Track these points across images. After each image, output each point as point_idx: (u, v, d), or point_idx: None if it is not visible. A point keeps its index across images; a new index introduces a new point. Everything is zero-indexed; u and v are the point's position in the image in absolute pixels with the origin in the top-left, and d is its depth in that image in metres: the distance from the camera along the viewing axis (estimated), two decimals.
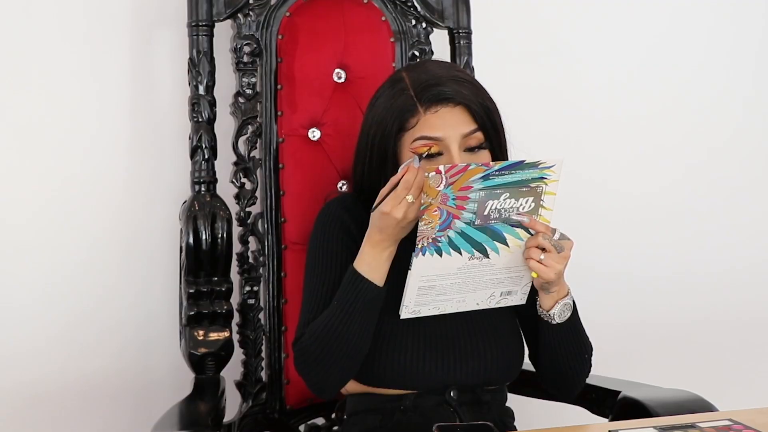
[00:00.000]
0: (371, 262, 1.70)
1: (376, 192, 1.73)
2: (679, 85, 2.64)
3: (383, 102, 1.78)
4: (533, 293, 1.77)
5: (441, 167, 1.58)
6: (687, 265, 2.65)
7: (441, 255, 1.65)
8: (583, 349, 1.82)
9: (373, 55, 2.14)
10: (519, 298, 1.77)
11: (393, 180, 1.66)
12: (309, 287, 1.80)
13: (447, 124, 1.72)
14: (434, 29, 2.24)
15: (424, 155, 1.70)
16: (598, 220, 2.56)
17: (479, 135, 1.74)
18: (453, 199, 1.61)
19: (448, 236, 1.64)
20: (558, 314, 1.76)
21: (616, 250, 2.60)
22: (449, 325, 1.79)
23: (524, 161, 1.61)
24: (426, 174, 1.59)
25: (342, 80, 2.11)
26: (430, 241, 1.63)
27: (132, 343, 2.25)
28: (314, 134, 2.09)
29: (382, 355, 1.76)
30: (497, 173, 1.60)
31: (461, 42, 2.23)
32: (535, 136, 2.08)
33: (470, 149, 1.74)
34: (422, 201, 1.61)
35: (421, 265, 1.65)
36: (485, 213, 1.64)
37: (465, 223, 1.64)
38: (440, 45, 2.24)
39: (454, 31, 2.24)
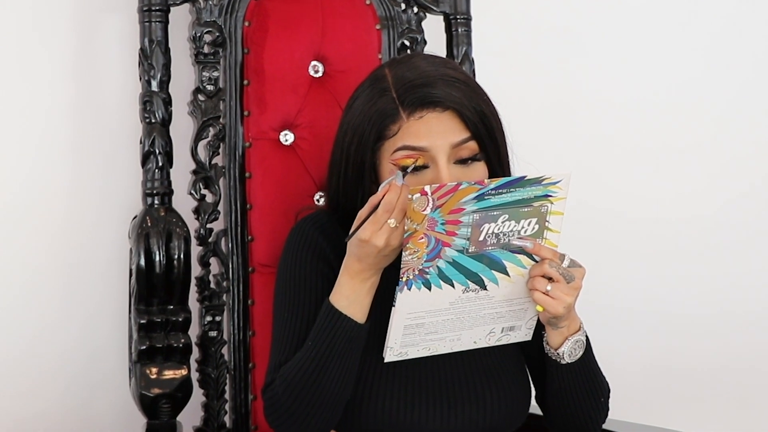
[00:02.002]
0: (350, 295, 1.67)
1: (353, 210, 1.70)
2: (728, 89, 2.64)
3: (361, 104, 1.75)
4: (540, 326, 1.75)
5: (427, 188, 1.56)
6: (719, 304, 2.65)
7: (430, 288, 1.63)
8: (598, 391, 1.80)
9: (355, 44, 2.12)
10: (524, 334, 1.74)
11: (372, 201, 1.63)
12: (279, 324, 1.77)
13: (433, 132, 1.69)
14: (427, 14, 2.24)
15: (409, 169, 1.67)
16: (615, 251, 2.54)
17: (472, 144, 1.70)
18: (442, 224, 1.59)
19: (437, 266, 1.62)
20: (568, 353, 1.73)
21: (637, 285, 2.60)
22: (442, 365, 1.77)
23: (525, 177, 1.59)
24: (409, 196, 1.56)
25: (319, 74, 2.10)
26: (417, 272, 1.61)
27: (76, 383, 2.24)
28: (287, 138, 2.08)
29: (364, 401, 1.73)
30: (493, 192, 1.58)
31: (459, 30, 2.22)
32: (541, 144, 2.12)
33: (462, 161, 1.71)
34: (406, 227, 1.58)
35: (406, 301, 1.63)
36: (481, 239, 1.61)
37: (457, 250, 1.61)
38: (435, 33, 2.24)
39: (451, 17, 2.23)
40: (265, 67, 2.06)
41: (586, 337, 1.74)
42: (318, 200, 2.05)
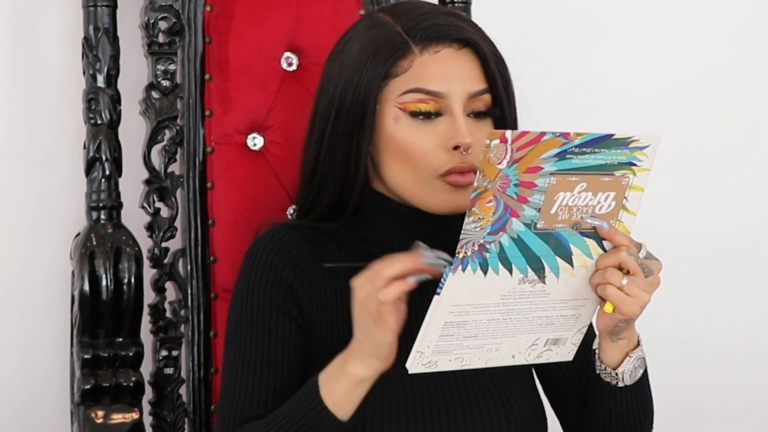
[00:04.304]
0: (342, 398, 1.60)
1: (339, 195, 1.70)
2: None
3: (359, 42, 1.70)
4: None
5: (507, 133, 1.46)
6: (761, 334, 2.62)
7: (486, 272, 1.54)
8: (650, 418, 1.78)
9: (335, 32, 1.95)
10: (566, 352, 1.67)
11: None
12: (230, 365, 1.72)
13: (452, 75, 1.67)
14: None
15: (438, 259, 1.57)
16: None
17: (487, 98, 1.69)
18: (515, 185, 1.50)
19: (499, 243, 1.54)
20: (630, 372, 1.67)
21: (665, 311, 2.43)
22: (439, 386, 1.72)
23: (613, 135, 1.52)
24: (487, 142, 1.46)
25: (293, 68, 2.08)
26: (476, 249, 1.52)
27: (9, 428, 2.22)
28: (255, 142, 2.06)
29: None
30: (577, 150, 1.51)
31: None
32: None
33: (476, 114, 1.69)
34: (475, 184, 1.50)
35: (457, 287, 1.54)
36: (552, 211, 1.54)
37: (524, 224, 1.54)
38: None
39: (447, 1, 2.21)
40: (229, 59, 2.05)
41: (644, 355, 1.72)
42: (291, 214, 2.01)
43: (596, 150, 1.53)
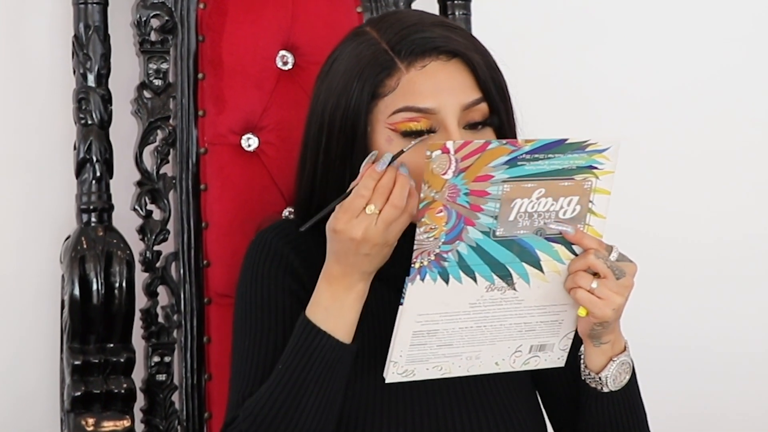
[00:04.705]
0: (330, 306, 1.62)
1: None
2: None
3: (344, 62, 1.69)
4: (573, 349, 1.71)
5: (449, 144, 1.50)
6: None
7: (447, 281, 1.57)
8: (641, 428, 1.77)
9: (332, 30, 2.05)
10: (556, 357, 1.68)
11: (353, 186, 1.60)
12: (241, 355, 1.72)
13: (442, 89, 1.65)
14: None
15: (405, 149, 1.61)
16: (642, 278, 2.41)
17: (483, 107, 1.67)
18: (466, 194, 1.53)
19: (457, 252, 1.56)
20: (612, 378, 1.67)
21: (670, 318, 2.56)
22: (438, 399, 1.72)
23: (566, 140, 1.53)
24: (428, 153, 1.49)
25: (289, 66, 2.08)
26: (433, 258, 1.55)
27: None
28: (249, 142, 2.06)
29: None
30: (528, 157, 1.52)
31: (456, 12, 2.21)
32: None
33: (472, 126, 1.68)
34: (422, 195, 1.53)
35: (418, 297, 1.57)
36: (511, 218, 1.56)
37: (482, 232, 1.56)
38: None
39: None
40: (223, 57, 2.05)
41: (632, 360, 1.70)
42: (287, 216, 2.01)
43: (550, 155, 1.53)
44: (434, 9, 2.21)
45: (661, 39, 2.58)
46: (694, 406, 2.57)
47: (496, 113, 1.68)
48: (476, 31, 2.16)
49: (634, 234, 2.47)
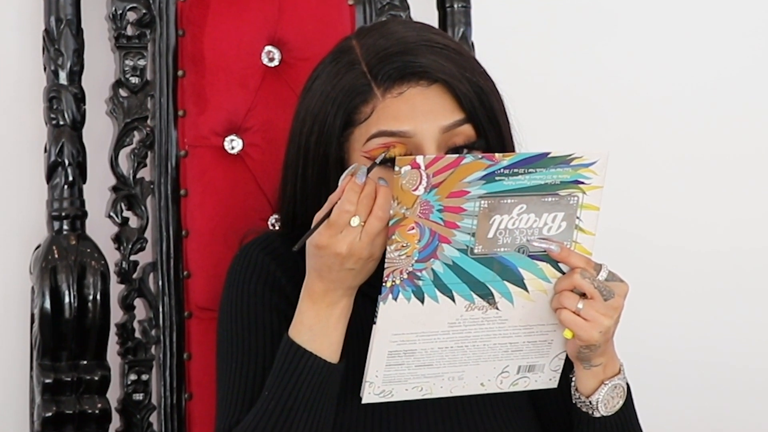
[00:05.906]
0: (314, 326, 1.62)
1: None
2: None
3: (323, 83, 1.70)
4: (567, 369, 1.71)
5: (419, 159, 1.51)
6: None
7: (422, 300, 1.58)
8: None
9: (321, 24, 2.09)
10: (547, 378, 1.68)
11: (332, 199, 1.60)
12: (226, 378, 1.72)
13: (418, 112, 1.65)
14: None
15: (378, 160, 1.63)
16: (650, 288, 2.46)
17: (467, 129, 1.67)
18: (439, 210, 1.54)
19: (432, 270, 1.57)
20: (603, 402, 1.67)
21: (679, 331, 2.56)
22: (432, 423, 1.72)
23: (548, 154, 1.53)
24: (397, 169, 1.51)
25: (275, 63, 2.08)
26: (406, 276, 1.56)
27: None
28: (233, 144, 2.05)
29: None
30: (507, 171, 1.53)
31: (455, 5, 2.21)
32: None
33: (456, 151, 1.67)
34: (392, 212, 1.54)
35: (391, 316, 1.57)
36: (490, 235, 1.56)
37: (459, 249, 1.57)
38: (424, 10, 2.22)
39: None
40: (205, 53, 2.05)
41: (627, 384, 1.69)
42: (273, 224, 2.02)
43: (531, 170, 1.54)
44: (432, 2, 2.22)
45: (667, 40, 2.59)
46: (704, 423, 2.57)
47: (483, 137, 1.68)
48: (476, 25, 2.21)
49: (643, 242, 2.62)
